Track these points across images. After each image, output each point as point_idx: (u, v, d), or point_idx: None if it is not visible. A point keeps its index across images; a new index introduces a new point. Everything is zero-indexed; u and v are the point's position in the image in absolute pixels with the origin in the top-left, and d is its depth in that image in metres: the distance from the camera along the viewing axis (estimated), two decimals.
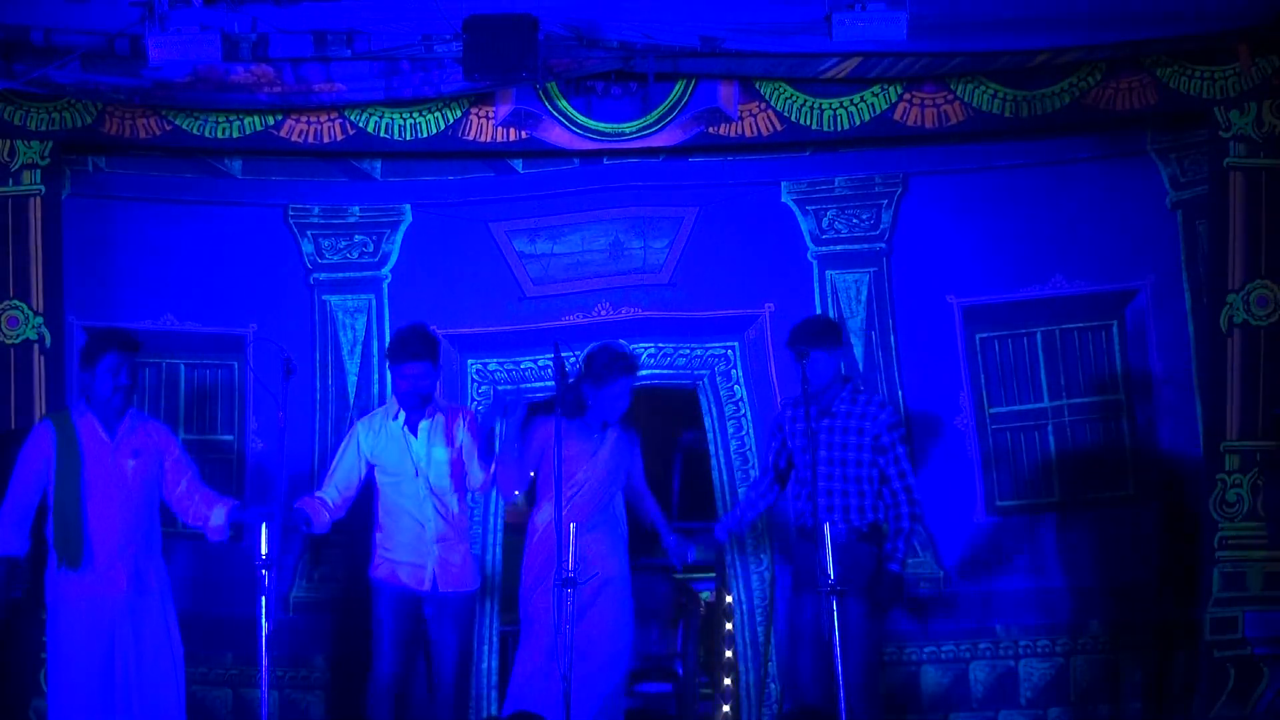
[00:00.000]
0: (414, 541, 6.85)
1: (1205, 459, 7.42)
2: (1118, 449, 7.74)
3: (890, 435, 6.73)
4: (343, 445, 7.10)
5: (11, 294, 7.52)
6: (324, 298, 8.06)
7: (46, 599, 6.61)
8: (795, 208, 7.96)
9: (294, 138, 7.67)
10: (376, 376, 7.94)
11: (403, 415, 6.95)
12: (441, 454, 6.91)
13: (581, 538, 6.47)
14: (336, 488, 6.99)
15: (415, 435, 6.91)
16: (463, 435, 6.98)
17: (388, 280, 8.06)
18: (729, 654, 8.01)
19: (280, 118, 7.62)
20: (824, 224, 7.95)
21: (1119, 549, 7.64)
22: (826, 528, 6.18)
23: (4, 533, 6.53)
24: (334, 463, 7.08)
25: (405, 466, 6.88)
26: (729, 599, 7.96)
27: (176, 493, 6.75)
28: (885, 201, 7.93)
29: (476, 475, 6.98)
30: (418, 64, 7.22)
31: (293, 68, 7.23)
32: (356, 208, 8.09)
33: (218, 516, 6.70)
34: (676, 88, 7.61)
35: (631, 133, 7.68)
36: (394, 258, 8.07)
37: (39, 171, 7.56)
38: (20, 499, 6.55)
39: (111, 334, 6.79)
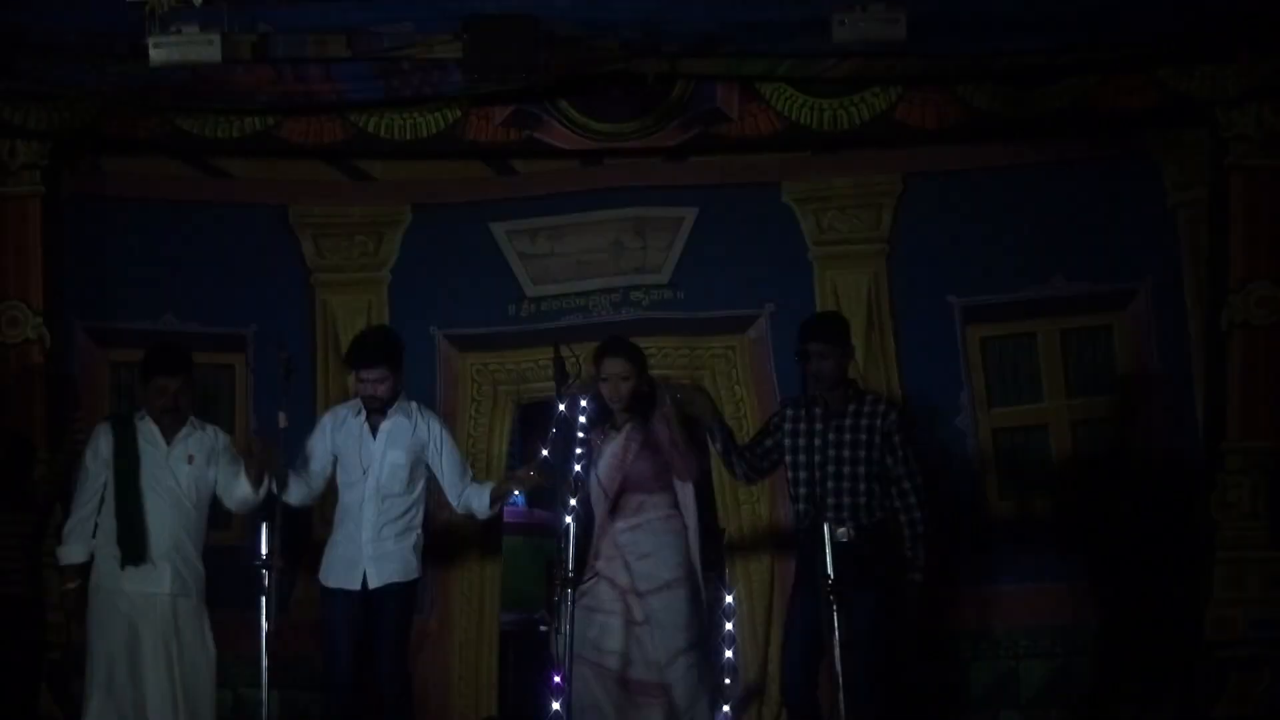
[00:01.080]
0: (351, 540, 6.84)
1: (1205, 459, 7.43)
2: (1117, 449, 7.74)
3: (900, 434, 6.65)
4: (312, 434, 7.02)
5: (11, 294, 7.53)
6: (324, 298, 8.06)
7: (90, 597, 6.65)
8: (795, 208, 7.96)
9: (294, 138, 7.67)
10: None
11: (364, 414, 6.92)
12: (397, 458, 6.88)
13: (620, 536, 6.75)
14: (301, 469, 6.92)
15: (374, 436, 6.90)
16: (424, 443, 6.92)
17: (388, 280, 8.07)
18: (729, 654, 8.00)
19: (280, 118, 7.62)
20: (824, 224, 7.95)
21: (1119, 548, 7.64)
22: (826, 528, 6.16)
23: (76, 541, 6.64)
24: (304, 450, 6.99)
25: (356, 465, 6.87)
26: (729, 599, 7.95)
27: (224, 494, 6.83)
28: (885, 201, 7.93)
29: (475, 498, 6.94)
30: (418, 64, 7.21)
31: (293, 68, 7.23)
32: (356, 208, 8.10)
33: (243, 485, 6.75)
34: (676, 88, 7.60)
35: (631, 133, 7.67)
36: (394, 258, 8.08)
37: (39, 171, 7.58)
38: (85, 505, 6.65)
39: (163, 357, 6.79)
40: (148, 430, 6.67)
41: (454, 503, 7.01)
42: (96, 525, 6.63)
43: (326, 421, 7.05)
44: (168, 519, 6.59)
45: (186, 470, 6.66)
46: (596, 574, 6.93)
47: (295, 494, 6.87)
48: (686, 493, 7.05)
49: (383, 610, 6.82)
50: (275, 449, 6.62)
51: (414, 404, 7.05)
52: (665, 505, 6.93)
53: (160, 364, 6.70)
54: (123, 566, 6.52)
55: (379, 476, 6.85)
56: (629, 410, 6.90)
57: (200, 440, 6.76)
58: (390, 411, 6.90)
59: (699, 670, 6.92)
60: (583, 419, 6.81)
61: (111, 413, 7.13)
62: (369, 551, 6.83)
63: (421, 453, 6.92)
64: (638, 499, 6.90)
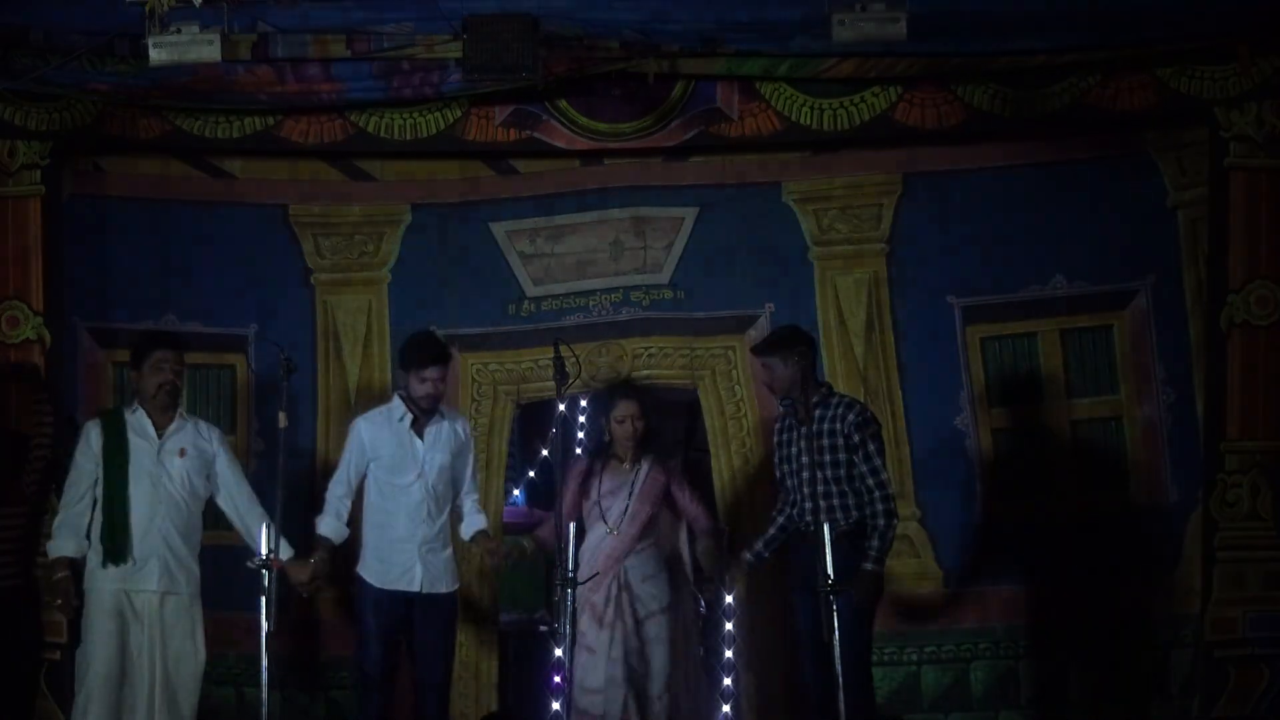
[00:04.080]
0: (405, 542, 6.88)
1: (1205, 459, 7.42)
2: (1117, 449, 7.75)
3: (860, 433, 6.67)
4: (349, 445, 7.07)
5: (11, 294, 7.52)
6: (324, 298, 8.06)
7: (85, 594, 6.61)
8: (795, 208, 7.96)
9: (294, 138, 7.66)
10: (377, 376, 7.94)
11: (409, 418, 6.96)
12: (444, 460, 6.95)
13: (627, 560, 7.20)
14: (349, 487, 7.01)
15: (422, 439, 6.93)
16: (462, 443, 7.05)
17: (388, 280, 8.07)
18: (729, 654, 8.01)
19: (280, 118, 7.62)
20: (824, 224, 7.95)
21: (1118, 549, 7.64)
22: (826, 528, 6.18)
23: (65, 536, 6.57)
24: (345, 462, 7.05)
25: (408, 469, 6.90)
26: (729, 599, 7.97)
27: (224, 497, 6.83)
28: (885, 201, 7.93)
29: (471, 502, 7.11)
30: (418, 64, 7.22)
31: (293, 68, 7.23)
32: (357, 208, 8.10)
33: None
34: (676, 88, 7.60)
35: (631, 133, 7.67)
36: (394, 258, 8.08)
37: (39, 171, 7.56)
38: (76, 502, 6.60)
39: (157, 333, 6.96)
40: (138, 423, 6.65)
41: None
42: (90, 523, 6.60)
43: (362, 429, 7.04)
44: (157, 514, 6.56)
45: (179, 464, 6.64)
46: (597, 574, 6.96)
47: (338, 531, 7.00)
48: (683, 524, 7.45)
49: (433, 619, 6.89)
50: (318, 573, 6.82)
51: (444, 408, 7.14)
52: (661, 531, 7.32)
53: (158, 340, 6.77)
54: (104, 564, 6.50)
55: (430, 480, 6.91)
56: (641, 447, 7.32)
57: (193, 435, 6.74)
58: (436, 414, 6.98)
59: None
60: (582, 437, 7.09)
61: (101, 408, 7.10)
62: (424, 554, 6.88)
63: (458, 456, 7.02)
64: (649, 529, 7.30)
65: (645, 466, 7.33)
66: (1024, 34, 7.10)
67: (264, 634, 6.26)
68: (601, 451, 7.44)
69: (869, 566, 6.57)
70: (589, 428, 8.91)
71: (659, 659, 7.18)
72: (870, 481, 6.66)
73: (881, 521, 6.62)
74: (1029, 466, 7.79)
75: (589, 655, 7.17)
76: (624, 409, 7.35)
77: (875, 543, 6.60)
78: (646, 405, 7.40)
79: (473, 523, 7.09)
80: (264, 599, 6.27)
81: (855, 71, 7.34)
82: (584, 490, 7.34)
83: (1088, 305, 7.82)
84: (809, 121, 7.60)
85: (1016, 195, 7.86)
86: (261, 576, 6.30)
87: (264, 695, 6.30)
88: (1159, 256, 7.75)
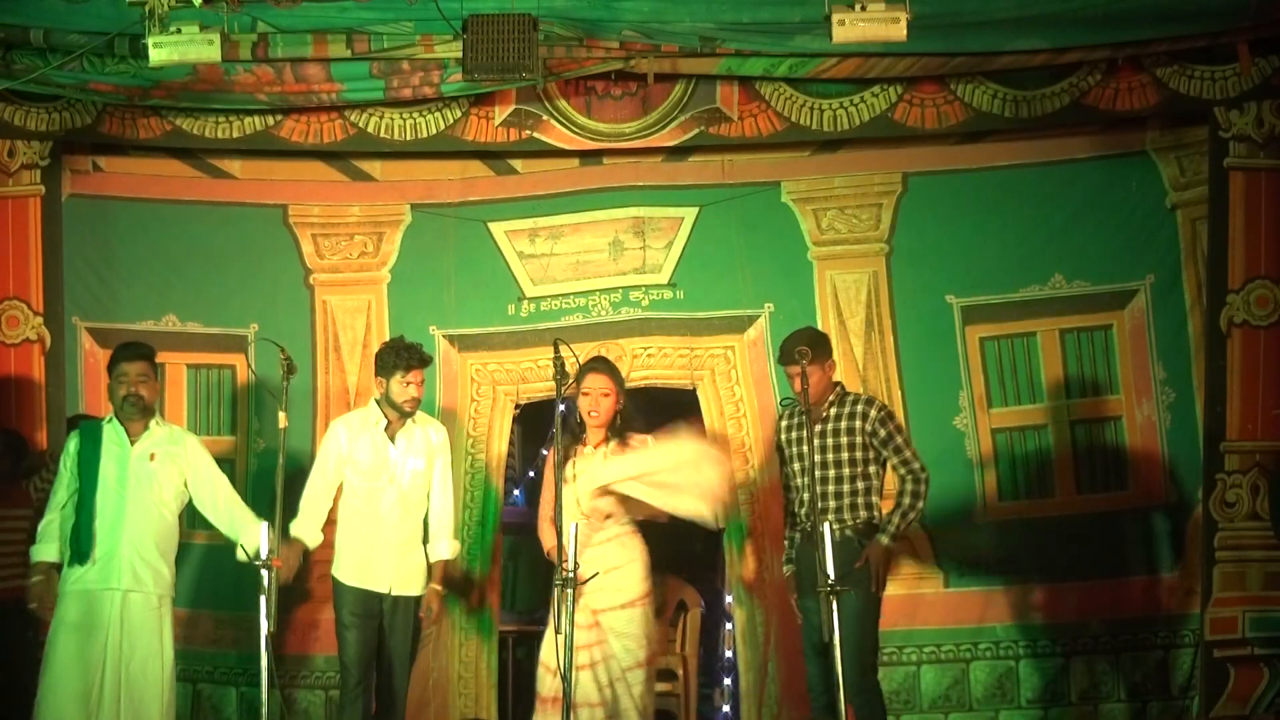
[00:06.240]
0: (378, 544, 6.88)
1: (1205, 459, 7.42)
2: (1117, 449, 7.75)
3: (884, 426, 6.67)
4: (327, 449, 7.04)
5: (11, 294, 7.52)
6: (324, 298, 8.06)
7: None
8: (795, 208, 7.97)
9: (294, 138, 7.67)
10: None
11: (384, 423, 6.96)
12: (418, 464, 6.95)
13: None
14: (328, 489, 6.99)
15: (394, 443, 6.93)
16: (435, 448, 7.03)
17: (387, 280, 8.07)
18: (729, 654, 8.00)
19: (280, 118, 7.63)
20: (824, 224, 7.96)
21: (1118, 549, 7.65)
22: (825, 528, 6.17)
23: (47, 540, 6.60)
24: (321, 466, 7.02)
25: (381, 473, 6.91)
26: (729, 599, 7.97)
27: (205, 501, 6.81)
28: (885, 201, 7.93)
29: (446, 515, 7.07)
30: (418, 64, 7.22)
31: (293, 68, 7.24)
32: (356, 208, 8.10)
33: (248, 545, 6.71)
34: (676, 88, 7.62)
35: (631, 133, 7.68)
36: (394, 258, 8.08)
37: (39, 171, 7.57)
38: (57, 508, 6.62)
39: (123, 346, 6.90)
40: (113, 431, 6.68)
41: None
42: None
43: (340, 432, 7.03)
44: (124, 515, 6.56)
45: (147, 467, 6.65)
46: (597, 574, 6.93)
47: (313, 536, 6.94)
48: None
49: (400, 621, 6.89)
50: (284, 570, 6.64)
51: (419, 413, 7.13)
52: (629, 522, 6.91)
53: (121, 353, 6.76)
54: (69, 564, 6.53)
55: (402, 484, 6.91)
56: (605, 428, 6.91)
57: (163, 440, 6.73)
58: (407, 421, 6.98)
59: (649, 687, 6.85)
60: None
61: (86, 420, 7.10)
62: (397, 557, 6.88)
63: (432, 461, 7.00)
64: (609, 516, 6.90)
65: (609, 451, 6.87)
66: (1024, 34, 7.10)
67: (264, 634, 6.26)
68: (576, 434, 6.91)
69: (884, 539, 6.56)
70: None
71: (614, 652, 6.71)
72: (903, 471, 6.66)
73: (906, 500, 6.62)
74: (1029, 466, 7.79)
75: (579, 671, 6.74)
76: (589, 382, 6.85)
77: (895, 518, 6.60)
78: (619, 385, 6.94)
79: (438, 549, 7.03)
80: (264, 599, 6.27)
81: (855, 71, 7.35)
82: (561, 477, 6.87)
83: (1087, 305, 7.82)
84: (809, 121, 7.61)
85: (1016, 195, 7.87)
86: (261, 576, 6.31)
87: (264, 695, 6.31)
88: (1159, 256, 7.76)
